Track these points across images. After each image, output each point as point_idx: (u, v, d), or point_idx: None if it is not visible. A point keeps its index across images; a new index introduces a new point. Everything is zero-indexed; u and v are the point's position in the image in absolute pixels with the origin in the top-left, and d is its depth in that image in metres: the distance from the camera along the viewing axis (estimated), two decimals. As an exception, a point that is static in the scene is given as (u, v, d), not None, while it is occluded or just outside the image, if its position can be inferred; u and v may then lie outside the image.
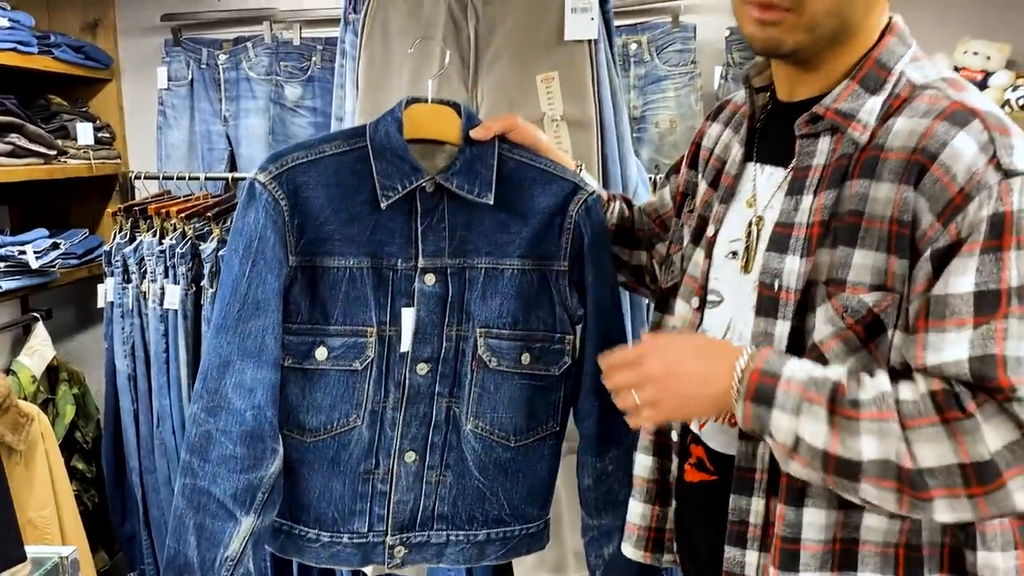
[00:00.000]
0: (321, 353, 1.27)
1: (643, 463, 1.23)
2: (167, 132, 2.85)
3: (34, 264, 2.41)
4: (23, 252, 2.39)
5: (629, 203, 1.43)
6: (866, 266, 0.93)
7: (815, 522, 0.97)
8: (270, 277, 1.22)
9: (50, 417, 2.34)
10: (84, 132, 2.68)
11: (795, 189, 1.01)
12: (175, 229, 2.39)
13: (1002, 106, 2.35)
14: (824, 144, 1.00)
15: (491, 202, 1.27)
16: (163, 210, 2.42)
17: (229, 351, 1.22)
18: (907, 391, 0.89)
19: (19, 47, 2.36)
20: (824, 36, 0.98)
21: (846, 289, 0.94)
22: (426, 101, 1.30)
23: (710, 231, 1.13)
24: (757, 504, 1.02)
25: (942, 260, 0.88)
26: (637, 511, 1.24)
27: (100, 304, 2.50)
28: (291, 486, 1.31)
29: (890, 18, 1.03)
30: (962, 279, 0.87)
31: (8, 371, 2.39)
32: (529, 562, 1.82)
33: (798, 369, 0.93)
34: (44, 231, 2.58)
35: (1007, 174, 0.87)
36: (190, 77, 2.82)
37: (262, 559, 1.35)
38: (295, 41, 2.75)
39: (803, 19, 0.96)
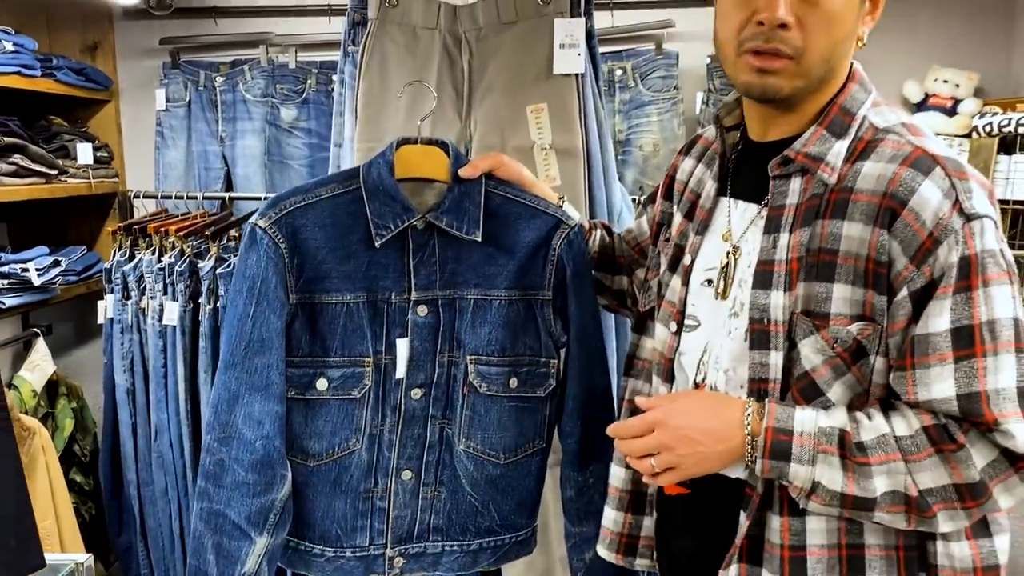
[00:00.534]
0: (322, 384, 1.33)
1: (617, 475, 1.32)
2: (165, 152, 2.90)
3: (36, 281, 2.45)
4: (26, 269, 2.43)
5: (609, 231, 1.51)
6: (846, 299, 1.02)
7: (818, 528, 1.05)
8: (272, 317, 1.28)
9: (49, 430, 2.38)
10: (84, 152, 2.73)
11: (772, 227, 1.09)
12: (173, 247, 2.44)
13: (969, 133, 2.45)
14: (796, 184, 1.08)
15: (479, 239, 1.33)
16: (162, 229, 2.46)
17: (238, 386, 1.28)
18: (901, 427, 1.00)
19: (23, 70, 2.42)
20: (815, 81, 1.06)
21: (830, 321, 1.02)
22: (416, 141, 1.37)
23: (687, 260, 1.21)
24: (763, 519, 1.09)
25: (920, 299, 0.98)
26: (611, 517, 1.33)
27: (100, 320, 2.53)
28: (297, 506, 1.37)
29: (851, 64, 1.11)
30: (940, 319, 0.97)
31: (10, 385, 2.43)
32: (519, 568, 1.88)
33: (807, 421, 1.01)
34: (45, 248, 2.62)
35: (968, 218, 0.97)
36: (188, 99, 2.87)
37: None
38: (291, 64, 2.81)
39: (802, 66, 1.03)
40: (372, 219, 1.30)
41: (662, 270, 1.28)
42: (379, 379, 1.35)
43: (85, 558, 1.25)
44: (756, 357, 1.07)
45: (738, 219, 1.16)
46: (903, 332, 1.00)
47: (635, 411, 1.14)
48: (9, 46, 2.38)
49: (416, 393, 1.36)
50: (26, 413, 2.30)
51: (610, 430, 1.13)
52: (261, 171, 2.82)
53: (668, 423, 1.06)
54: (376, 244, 1.30)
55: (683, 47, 2.70)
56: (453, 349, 1.37)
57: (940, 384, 0.97)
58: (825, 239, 1.03)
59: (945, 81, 2.64)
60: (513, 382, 1.39)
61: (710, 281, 1.17)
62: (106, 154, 2.90)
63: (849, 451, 1.00)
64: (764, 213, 1.10)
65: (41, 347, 2.58)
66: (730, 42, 1.07)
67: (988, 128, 2.36)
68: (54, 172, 2.56)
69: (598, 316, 1.45)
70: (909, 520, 1.00)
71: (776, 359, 1.06)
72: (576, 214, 1.44)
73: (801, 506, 1.04)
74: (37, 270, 2.47)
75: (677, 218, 1.28)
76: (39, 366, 2.53)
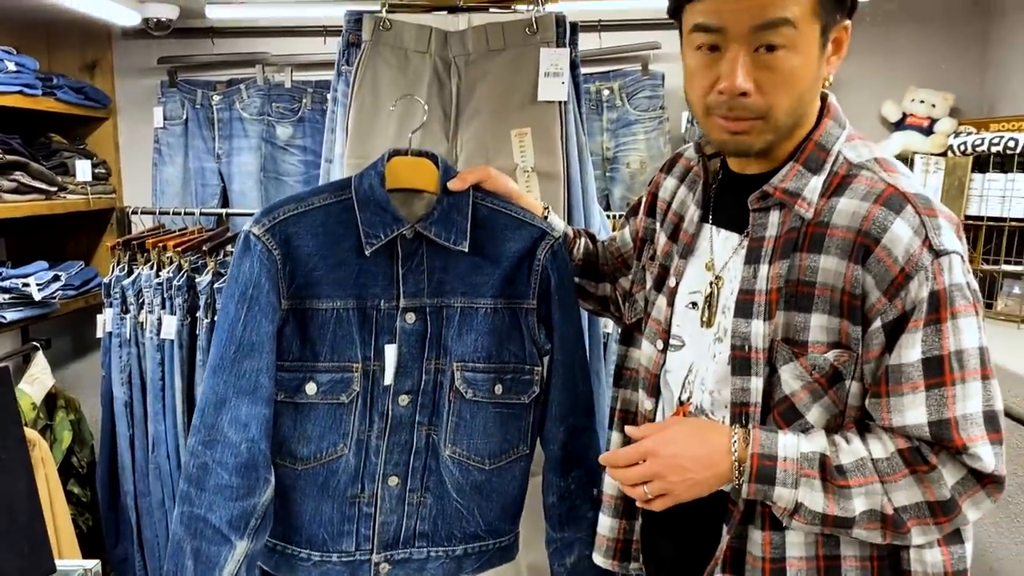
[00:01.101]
0: (311, 388, 1.34)
1: (611, 482, 1.36)
2: (162, 168, 2.95)
3: (37, 296, 2.49)
4: (26, 284, 2.47)
5: (593, 239, 1.55)
6: (823, 327, 1.07)
7: (796, 541, 1.11)
8: (264, 321, 1.30)
9: (48, 443, 2.41)
10: (83, 169, 2.78)
11: (753, 258, 1.13)
12: (171, 262, 2.49)
13: (945, 151, 2.51)
14: (775, 217, 1.12)
15: (466, 249, 1.36)
16: (160, 244, 2.51)
17: (225, 389, 1.29)
18: (878, 449, 1.06)
19: (25, 90, 2.48)
20: (785, 131, 1.10)
21: (808, 348, 1.08)
22: (407, 153, 1.41)
23: (671, 282, 1.26)
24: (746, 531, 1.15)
25: (893, 331, 1.04)
26: (606, 524, 1.37)
27: (99, 334, 2.57)
28: (284, 510, 1.38)
29: (825, 97, 1.16)
30: (912, 351, 1.03)
31: (9, 398, 2.47)
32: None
33: (790, 447, 1.07)
34: (44, 263, 2.66)
35: (937, 254, 1.02)
36: (185, 116, 2.93)
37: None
38: (286, 83, 2.87)
39: (769, 123, 1.07)
40: (363, 228, 1.33)
41: (648, 286, 1.32)
42: (367, 385, 1.37)
43: (93, 564, 1.26)
44: (738, 382, 1.12)
45: (720, 247, 1.21)
46: (877, 360, 1.06)
47: (627, 439, 1.19)
48: (11, 66, 2.44)
49: (403, 399, 1.38)
50: (25, 425, 2.33)
51: (603, 459, 1.19)
52: (257, 187, 2.88)
53: (659, 452, 1.10)
54: (366, 252, 1.32)
55: (669, 68, 2.77)
56: (440, 356, 1.39)
57: (913, 411, 1.03)
58: (803, 271, 1.08)
59: (922, 101, 2.71)
60: (498, 388, 1.41)
61: (695, 304, 1.22)
62: (104, 171, 2.95)
63: (830, 474, 1.05)
64: (745, 243, 1.15)
65: (40, 360, 2.61)
66: (698, 104, 1.11)
67: (963, 147, 2.41)
68: (54, 189, 2.60)
69: (580, 324, 1.48)
70: (885, 535, 1.07)
71: (757, 384, 1.11)
72: (561, 224, 1.49)
73: (784, 524, 1.09)
74: (37, 285, 2.51)
75: (662, 238, 1.32)
76: (38, 379, 2.56)
